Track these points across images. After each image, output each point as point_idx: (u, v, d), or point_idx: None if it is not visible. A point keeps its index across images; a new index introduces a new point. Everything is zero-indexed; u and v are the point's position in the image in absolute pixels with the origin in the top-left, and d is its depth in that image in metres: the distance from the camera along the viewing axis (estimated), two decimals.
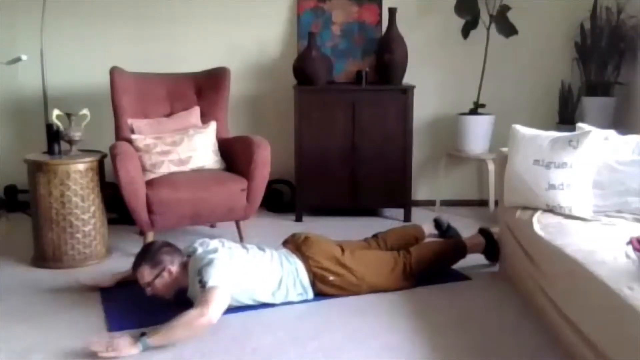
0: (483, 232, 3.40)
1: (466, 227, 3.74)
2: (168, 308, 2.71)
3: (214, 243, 2.89)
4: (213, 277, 2.59)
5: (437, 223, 3.57)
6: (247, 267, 2.80)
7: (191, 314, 2.47)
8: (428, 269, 3.12)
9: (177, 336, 2.46)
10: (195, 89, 4.12)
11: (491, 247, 3.34)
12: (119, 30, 4.48)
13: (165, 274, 2.77)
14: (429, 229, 3.54)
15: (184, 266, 2.81)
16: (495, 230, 3.38)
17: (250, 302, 2.82)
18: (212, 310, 2.48)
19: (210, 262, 2.66)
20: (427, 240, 3.45)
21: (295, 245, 3.02)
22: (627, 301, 1.90)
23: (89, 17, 4.47)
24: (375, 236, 3.36)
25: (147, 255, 2.82)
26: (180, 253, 2.88)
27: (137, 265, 2.82)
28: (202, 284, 2.59)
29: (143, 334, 2.43)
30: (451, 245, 3.33)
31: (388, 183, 4.27)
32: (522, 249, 2.89)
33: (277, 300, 2.86)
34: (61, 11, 4.34)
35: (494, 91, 4.48)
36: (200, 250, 2.83)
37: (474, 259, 3.38)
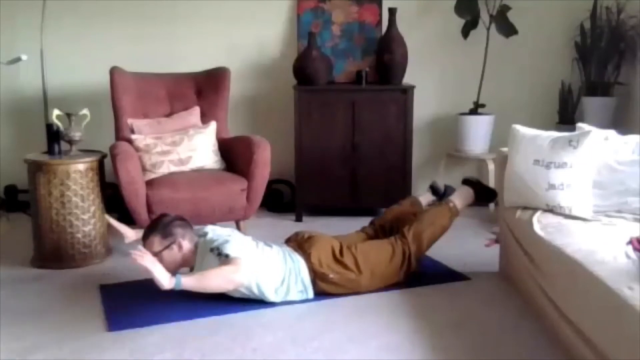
0: (467, 182, 3.36)
1: (466, 226, 3.75)
2: (168, 307, 2.72)
3: (225, 230, 2.96)
4: (233, 250, 2.71)
5: (434, 189, 3.49)
6: (256, 260, 2.82)
7: (225, 268, 2.63)
8: (427, 243, 3.11)
9: (209, 284, 2.62)
10: (195, 89, 4.13)
11: (482, 191, 3.32)
12: (119, 30, 4.48)
13: (175, 247, 2.80)
14: (426, 198, 3.48)
15: (194, 245, 2.84)
16: (495, 229, 3.37)
17: (256, 293, 2.81)
18: (242, 270, 2.65)
19: (226, 241, 2.78)
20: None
21: (298, 243, 3.03)
22: (627, 301, 1.90)
23: (89, 17, 4.47)
24: (372, 223, 3.34)
25: (160, 224, 2.86)
26: (192, 230, 2.91)
27: (148, 233, 2.84)
28: (224, 255, 2.69)
29: (178, 273, 2.55)
30: (441, 210, 3.24)
31: (388, 183, 4.27)
32: (522, 249, 2.89)
33: (279, 297, 2.86)
34: (61, 11, 4.34)
35: (494, 91, 4.48)
36: (211, 233, 2.89)
37: (474, 259, 3.38)
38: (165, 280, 2.50)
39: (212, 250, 2.76)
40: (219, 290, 2.70)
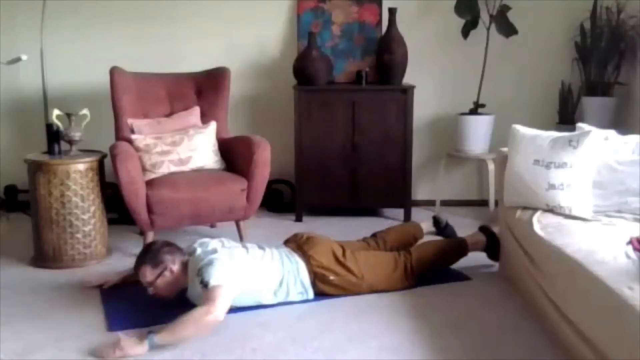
0: (484, 229, 3.40)
1: (466, 227, 3.74)
2: (168, 308, 2.72)
3: (213, 243, 2.89)
4: (214, 276, 2.60)
5: (436, 220, 3.58)
6: (247, 268, 2.80)
7: (198, 312, 2.49)
8: (429, 268, 3.13)
9: (184, 334, 2.47)
10: (195, 89, 4.12)
11: (492, 245, 3.34)
12: (119, 30, 4.48)
13: (167, 273, 2.78)
14: (427, 226, 3.55)
15: (185, 266, 2.82)
16: (495, 229, 3.38)
17: (252, 304, 2.82)
18: (218, 307, 2.50)
19: (210, 262, 2.66)
20: (425, 238, 3.45)
21: (297, 244, 3.02)
22: (627, 301, 1.90)
23: (89, 17, 4.47)
24: (374, 236, 3.36)
25: (149, 255, 2.82)
26: (181, 252, 2.88)
27: (138, 265, 2.82)
28: (204, 283, 2.59)
29: (150, 332, 2.44)
30: (452, 244, 3.33)
31: (388, 183, 4.27)
32: (522, 249, 2.89)
33: (279, 299, 2.86)
34: (61, 11, 4.34)
35: (494, 91, 4.48)
36: (199, 250, 2.83)
37: (474, 259, 3.38)
38: (138, 349, 2.40)
39: (198, 273, 2.67)
40: (196, 336, 2.52)
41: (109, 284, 3.08)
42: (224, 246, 2.89)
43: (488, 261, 3.39)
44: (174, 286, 2.81)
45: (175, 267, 2.80)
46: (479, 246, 3.34)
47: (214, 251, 2.78)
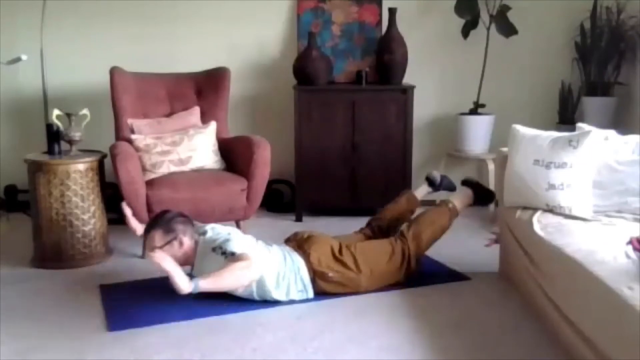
0: (466, 183, 3.38)
1: (466, 227, 3.75)
2: (168, 308, 2.72)
3: (225, 229, 2.96)
4: (238, 247, 2.72)
5: (430, 180, 3.50)
6: (259, 254, 2.82)
7: (238, 264, 2.63)
8: (427, 243, 3.12)
9: (226, 282, 2.64)
10: (195, 89, 4.13)
11: (480, 193, 3.32)
12: (119, 30, 4.48)
13: (176, 243, 2.80)
14: (422, 191, 3.49)
15: (195, 243, 2.84)
16: (495, 229, 3.37)
17: (255, 296, 2.82)
18: (254, 264, 2.66)
19: (228, 238, 2.78)
20: (420, 209, 3.38)
21: (297, 243, 3.03)
22: (627, 301, 1.90)
23: (89, 17, 4.47)
24: (369, 224, 3.35)
25: (162, 220, 2.87)
26: (194, 228, 2.91)
27: (149, 228, 2.85)
28: (230, 253, 2.69)
29: (194, 277, 2.56)
30: (440, 210, 3.25)
31: (388, 183, 4.26)
32: (522, 249, 2.89)
33: (279, 296, 2.86)
34: (61, 11, 4.34)
35: (494, 91, 4.48)
36: (211, 232, 2.90)
37: (474, 259, 3.38)
38: (184, 284, 2.49)
39: (214, 249, 2.76)
40: (235, 287, 2.73)
41: (137, 232, 3.11)
42: (234, 232, 2.96)
43: (488, 261, 3.38)
44: (179, 259, 2.79)
45: (185, 239, 2.84)
46: (467, 200, 3.32)
47: (228, 233, 2.87)
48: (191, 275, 2.73)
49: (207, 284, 2.56)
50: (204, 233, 2.91)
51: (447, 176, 3.54)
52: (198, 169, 3.73)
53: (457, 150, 4.46)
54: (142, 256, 3.35)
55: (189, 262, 2.84)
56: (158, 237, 2.80)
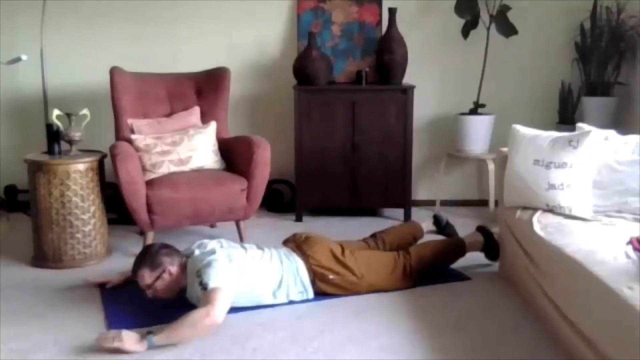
0: (481, 229, 3.40)
1: (466, 227, 3.73)
2: (168, 308, 2.72)
3: (212, 244, 2.89)
4: (213, 279, 2.59)
5: (437, 219, 3.57)
6: (246, 269, 2.80)
7: (197, 314, 2.48)
8: (428, 268, 3.13)
9: (183, 336, 2.47)
10: (195, 89, 4.12)
11: (490, 245, 3.34)
12: (119, 30, 4.48)
13: (166, 275, 2.77)
14: (427, 225, 3.55)
15: (183, 267, 2.82)
16: (495, 230, 3.38)
17: (251, 304, 2.82)
18: (217, 310, 2.49)
19: (209, 264, 2.66)
20: (425, 237, 3.45)
21: (296, 244, 3.02)
22: (627, 301, 1.90)
23: (89, 17, 4.47)
24: (373, 236, 3.36)
25: (147, 257, 2.82)
26: (179, 254, 2.88)
27: (137, 268, 2.81)
28: (203, 285, 2.59)
29: (150, 333, 2.45)
30: (450, 244, 3.34)
31: (388, 183, 4.27)
32: (522, 249, 2.89)
33: (279, 300, 2.86)
34: (61, 11, 4.34)
35: (494, 91, 4.48)
36: (197, 252, 2.84)
37: (474, 259, 3.38)
38: (136, 346, 2.41)
39: (197, 274, 2.67)
40: (194, 338, 2.51)
41: (111, 284, 3.08)
42: (222, 247, 2.88)
43: (488, 261, 3.39)
44: (173, 288, 2.80)
45: (174, 269, 2.80)
46: (476, 246, 3.35)
47: (212, 252, 2.78)
48: (185, 299, 2.73)
49: (163, 339, 2.45)
50: (192, 253, 2.85)
51: (452, 224, 3.58)
52: (198, 169, 3.73)
53: (457, 150, 4.46)
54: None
55: (181, 286, 2.81)
56: (147, 275, 2.77)
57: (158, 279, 2.77)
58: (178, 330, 2.46)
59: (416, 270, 3.07)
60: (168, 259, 2.81)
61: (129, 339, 2.42)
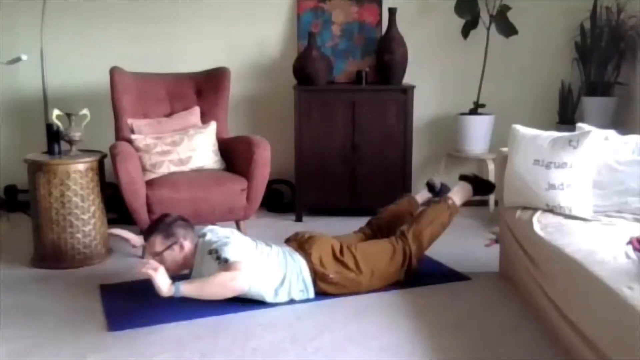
0: (464, 177, 3.36)
1: (467, 227, 3.75)
2: (168, 308, 2.72)
3: (224, 231, 2.93)
4: (232, 254, 2.67)
5: (430, 186, 3.50)
6: (254, 261, 2.81)
7: (225, 275, 2.58)
8: (428, 242, 3.11)
9: (209, 292, 2.59)
10: (195, 89, 4.13)
11: (479, 185, 3.31)
12: (119, 30, 4.48)
13: (177, 248, 2.79)
14: (422, 196, 3.50)
15: (195, 246, 2.83)
16: (495, 229, 3.37)
17: (254, 296, 2.81)
18: (243, 277, 2.61)
19: (225, 243, 2.73)
20: (421, 208, 3.38)
21: (298, 243, 3.02)
22: (627, 301, 1.90)
23: (89, 17, 4.47)
24: (369, 223, 3.35)
25: (162, 225, 2.84)
26: (194, 231, 2.90)
27: (149, 233, 2.83)
28: (223, 259, 2.65)
29: (177, 281, 2.53)
30: (441, 208, 3.24)
31: (388, 183, 4.27)
32: (522, 249, 2.89)
33: (280, 297, 2.86)
34: (61, 11, 4.34)
35: (494, 91, 4.48)
36: (210, 235, 2.87)
37: (474, 259, 3.38)
38: (165, 287, 2.50)
39: (210, 252, 2.73)
40: (219, 297, 2.66)
41: (132, 243, 3.07)
42: (234, 234, 2.93)
43: (488, 261, 3.38)
44: (179, 263, 2.80)
45: (186, 243, 2.82)
46: (467, 195, 3.30)
47: (227, 236, 2.83)
48: (188, 278, 2.74)
49: (189, 290, 2.54)
50: (203, 235, 2.89)
51: (446, 184, 3.51)
52: (198, 169, 3.73)
53: (457, 150, 4.46)
54: (142, 256, 3.35)
55: (189, 266, 2.84)
56: (158, 242, 2.79)
57: (168, 249, 2.78)
58: (205, 286, 2.57)
59: (417, 248, 3.05)
60: (183, 231, 2.84)
61: (163, 277, 2.50)
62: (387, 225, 3.29)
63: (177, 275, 2.81)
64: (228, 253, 2.69)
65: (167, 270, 2.75)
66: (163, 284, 2.50)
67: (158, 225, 2.85)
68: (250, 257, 2.78)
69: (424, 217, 3.18)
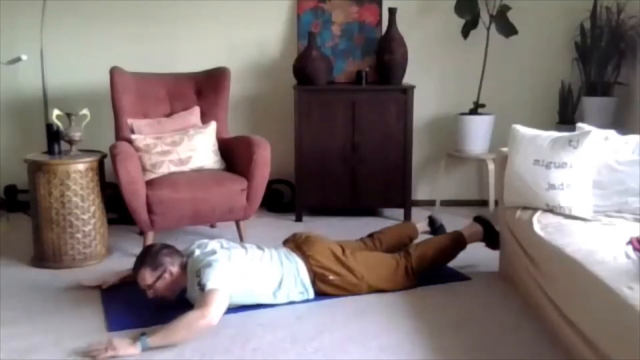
0: (478, 219, 3.39)
1: None
2: (168, 308, 2.72)
3: (212, 244, 2.89)
4: (212, 280, 2.59)
5: (431, 220, 3.57)
6: (246, 268, 2.79)
7: (191, 315, 2.48)
8: (429, 266, 3.12)
9: (177, 337, 2.46)
10: (195, 89, 4.12)
11: (490, 234, 3.33)
12: (119, 30, 4.48)
13: (167, 276, 2.77)
14: (422, 226, 3.55)
15: (184, 267, 2.82)
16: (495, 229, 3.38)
17: (251, 303, 2.82)
18: (213, 312, 2.49)
19: (208, 264, 2.66)
20: (420, 238, 3.42)
21: (296, 244, 3.02)
22: (627, 301, 1.90)
23: (89, 17, 4.47)
24: (370, 236, 3.36)
25: (148, 257, 2.81)
26: (180, 254, 2.88)
27: (137, 268, 2.81)
28: (201, 286, 2.58)
29: (143, 334, 2.44)
30: (450, 239, 3.30)
31: (388, 183, 4.27)
32: (522, 249, 2.89)
33: (279, 300, 2.86)
34: (61, 11, 4.34)
35: (494, 91, 4.48)
36: (198, 252, 2.83)
37: (474, 259, 3.38)
38: (130, 350, 2.40)
39: (196, 274, 2.66)
40: (189, 339, 2.49)
41: (107, 285, 3.08)
42: (222, 247, 2.88)
43: (488, 261, 3.38)
44: (174, 288, 2.80)
45: (175, 269, 2.79)
46: (476, 237, 3.33)
47: (213, 252, 2.78)
48: (185, 300, 2.73)
49: (157, 341, 2.44)
50: (192, 253, 2.85)
51: (444, 227, 3.57)
52: (198, 169, 3.73)
53: (457, 150, 4.46)
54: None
55: (182, 285, 2.81)
56: (148, 275, 2.76)
57: (159, 279, 2.76)
58: (172, 331, 2.45)
59: (417, 270, 3.07)
60: (169, 259, 2.81)
61: (121, 344, 2.40)
62: (388, 242, 3.32)
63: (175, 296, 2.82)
64: (208, 278, 2.59)
65: (164, 296, 2.79)
66: (126, 350, 2.40)
67: (145, 259, 2.81)
68: (235, 272, 2.72)
69: (432, 243, 3.24)
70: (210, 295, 2.53)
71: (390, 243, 3.31)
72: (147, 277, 2.77)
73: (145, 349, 2.41)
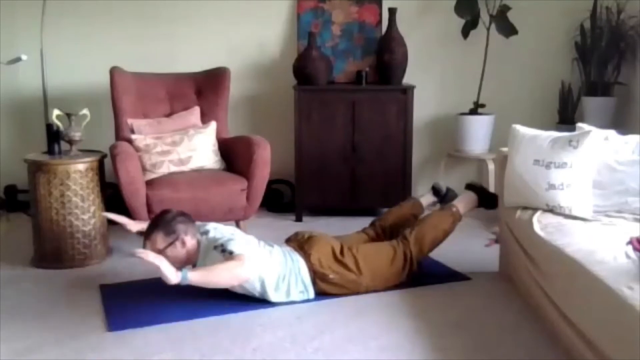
0: (470, 187, 3.36)
1: (467, 227, 3.73)
2: (168, 308, 2.72)
3: (228, 229, 2.96)
4: (238, 248, 2.71)
5: (435, 190, 3.50)
6: (259, 256, 2.82)
7: (232, 262, 2.64)
8: (429, 246, 3.11)
9: (215, 278, 2.63)
10: (195, 89, 4.13)
11: (484, 197, 3.32)
12: (119, 30, 4.48)
13: (178, 244, 2.79)
14: (427, 199, 3.49)
15: (197, 242, 2.84)
16: (495, 229, 3.37)
17: (256, 292, 2.81)
18: (248, 266, 2.66)
19: (230, 239, 2.78)
20: (427, 212, 3.39)
21: (298, 243, 3.02)
22: (627, 301, 1.90)
23: (89, 17, 4.47)
24: (372, 224, 3.35)
25: (163, 221, 2.84)
26: (195, 226, 2.90)
27: (150, 230, 2.82)
28: (228, 251, 2.69)
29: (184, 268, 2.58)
30: (444, 214, 3.25)
31: (388, 183, 4.27)
32: (522, 249, 2.89)
33: (280, 296, 2.86)
34: (61, 11, 4.34)
35: (494, 91, 4.48)
36: (213, 232, 2.89)
37: (474, 259, 3.38)
38: (172, 275, 2.51)
39: (215, 247, 2.76)
40: (224, 285, 2.72)
41: (127, 227, 3.12)
42: (237, 232, 2.97)
43: (488, 261, 3.38)
44: (182, 260, 2.80)
45: (187, 239, 2.82)
46: (472, 204, 3.30)
47: (231, 234, 2.87)
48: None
49: (197, 277, 2.58)
50: (206, 232, 2.90)
51: (453, 190, 3.50)
52: (198, 169, 3.73)
53: (457, 150, 4.46)
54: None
55: (191, 262, 2.83)
56: (160, 239, 2.78)
57: (170, 246, 2.77)
58: (212, 271, 2.62)
59: (417, 253, 3.05)
60: (184, 227, 2.84)
61: (168, 266, 2.52)
62: (391, 227, 3.29)
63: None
64: (234, 247, 2.73)
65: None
66: (169, 271, 2.51)
67: (159, 223, 2.85)
68: (255, 253, 2.80)
69: (427, 222, 3.19)
70: (240, 256, 2.68)
71: (394, 226, 3.27)
72: (159, 241, 2.78)
73: (184, 282, 2.53)
